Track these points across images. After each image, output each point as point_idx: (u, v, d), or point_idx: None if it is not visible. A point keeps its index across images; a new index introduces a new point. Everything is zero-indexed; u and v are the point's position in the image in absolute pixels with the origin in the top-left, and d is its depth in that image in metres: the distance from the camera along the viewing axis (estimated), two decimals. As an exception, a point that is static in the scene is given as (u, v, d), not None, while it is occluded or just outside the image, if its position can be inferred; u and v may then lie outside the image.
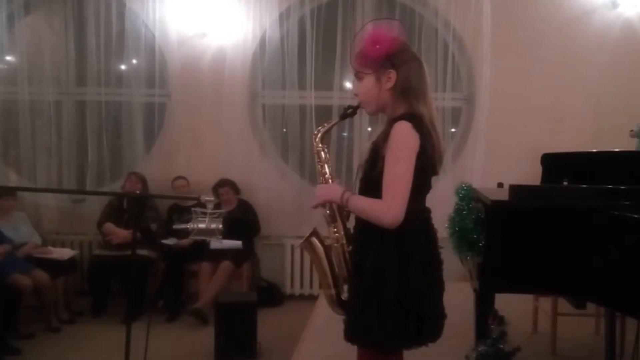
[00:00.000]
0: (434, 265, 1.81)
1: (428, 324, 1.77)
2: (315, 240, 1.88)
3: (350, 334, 1.79)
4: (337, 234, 1.86)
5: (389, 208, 1.67)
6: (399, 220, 1.67)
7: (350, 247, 1.84)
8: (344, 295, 1.85)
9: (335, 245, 1.85)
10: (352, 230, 1.87)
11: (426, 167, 1.74)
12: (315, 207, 1.86)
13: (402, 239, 1.72)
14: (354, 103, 1.89)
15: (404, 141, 1.68)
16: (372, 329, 1.72)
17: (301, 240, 1.89)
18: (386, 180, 1.68)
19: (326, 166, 1.90)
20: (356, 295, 1.78)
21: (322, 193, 1.85)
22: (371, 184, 1.74)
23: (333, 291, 1.86)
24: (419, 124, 1.70)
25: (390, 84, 1.77)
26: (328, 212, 1.86)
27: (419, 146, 1.69)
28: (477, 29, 4.70)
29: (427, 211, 1.86)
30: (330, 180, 1.89)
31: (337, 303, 1.87)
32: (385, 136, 1.71)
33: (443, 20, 4.77)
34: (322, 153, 1.91)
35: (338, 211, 1.86)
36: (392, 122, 1.73)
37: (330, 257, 1.86)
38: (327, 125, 1.94)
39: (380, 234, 1.71)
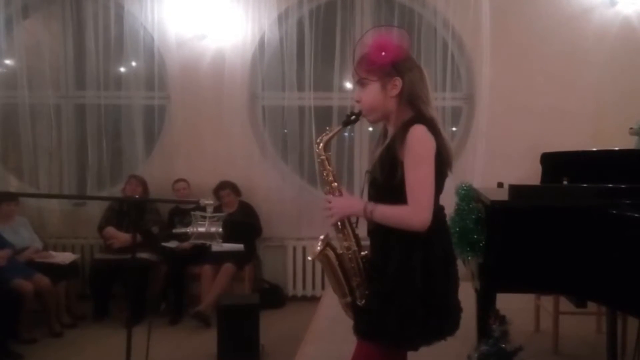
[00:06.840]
0: (451, 261, 1.84)
1: (448, 319, 1.80)
2: (330, 251, 1.84)
3: (366, 332, 1.76)
4: (346, 242, 1.83)
5: (416, 212, 1.68)
6: (428, 223, 1.69)
7: (365, 252, 1.84)
8: (360, 301, 1.82)
9: (347, 252, 1.83)
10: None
11: (442, 168, 1.76)
12: (335, 222, 1.83)
13: (428, 242, 1.73)
14: (355, 109, 1.87)
15: (423, 144, 1.69)
16: (393, 328, 1.71)
17: (313, 252, 1.85)
18: (410, 185, 1.68)
19: (331, 175, 1.87)
20: (378, 295, 1.76)
21: (340, 207, 1.82)
22: (391, 191, 1.73)
23: (349, 299, 1.84)
24: (431, 126, 1.72)
25: (395, 91, 1.77)
26: (338, 223, 1.84)
27: (435, 148, 1.70)
28: (477, 28, 4.70)
29: (443, 209, 1.86)
30: (338, 190, 1.86)
31: (354, 309, 1.84)
32: (400, 141, 1.70)
33: (442, 20, 4.77)
34: (327, 162, 1.86)
35: (348, 220, 1.84)
36: (404, 126, 1.72)
37: (344, 266, 1.83)
38: (330, 133, 1.89)
39: (405, 237, 1.71)
